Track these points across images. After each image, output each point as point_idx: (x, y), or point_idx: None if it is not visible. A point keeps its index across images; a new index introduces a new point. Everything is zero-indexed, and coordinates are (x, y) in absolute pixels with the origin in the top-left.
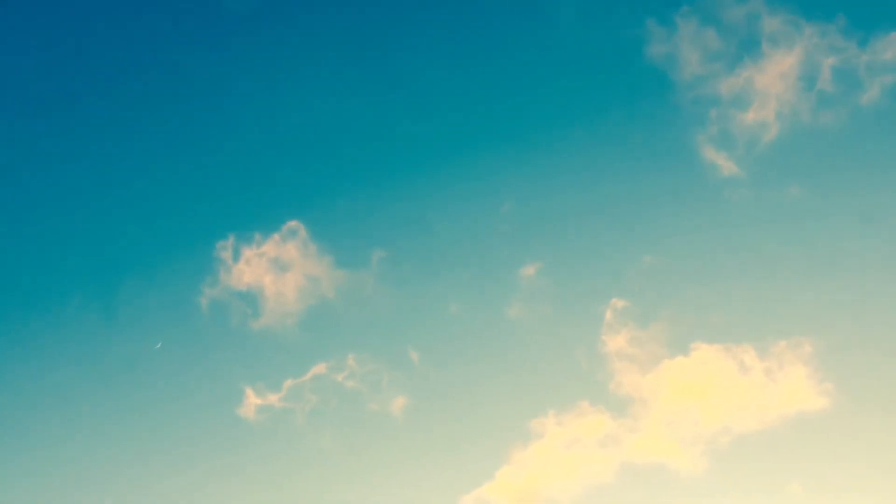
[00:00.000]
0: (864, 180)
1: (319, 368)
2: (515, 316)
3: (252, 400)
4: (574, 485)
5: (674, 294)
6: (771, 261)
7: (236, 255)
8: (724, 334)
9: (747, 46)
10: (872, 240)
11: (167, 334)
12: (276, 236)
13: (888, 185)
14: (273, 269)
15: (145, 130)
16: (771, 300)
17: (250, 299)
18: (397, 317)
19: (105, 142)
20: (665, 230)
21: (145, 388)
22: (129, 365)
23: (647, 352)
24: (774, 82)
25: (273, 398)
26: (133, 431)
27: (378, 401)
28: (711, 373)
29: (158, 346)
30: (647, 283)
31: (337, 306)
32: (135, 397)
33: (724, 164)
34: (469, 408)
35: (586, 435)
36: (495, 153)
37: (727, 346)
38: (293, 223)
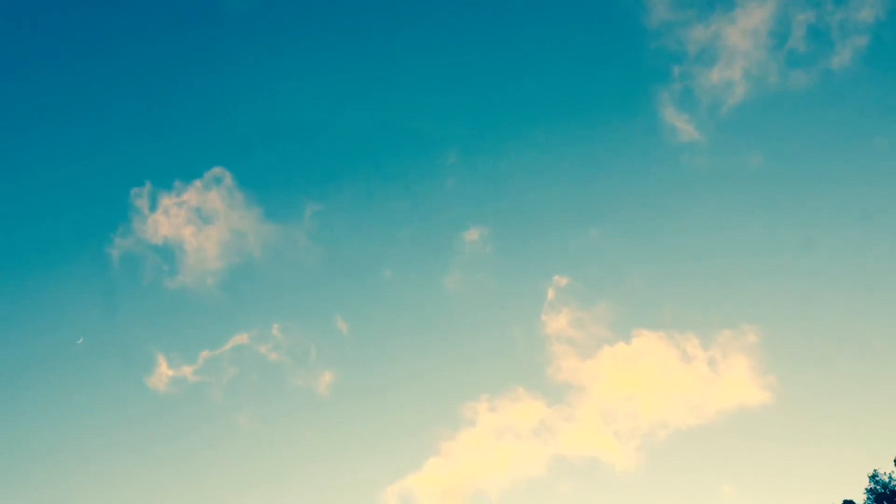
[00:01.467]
0: (831, 153)
1: (241, 338)
2: (453, 286)
3: (164, 371)
4: (504, 477)
5: (619, 273)
6: (724, 239)
7: (153, 204)
8: (668, 321)
9: None
10: (834, 219)
11: (71, 287)
12: (197, 183)
13: (856, 160)
14: (194, 221)
15: (49, 66)
16: (721, 283)
17: (167, 254)
18: (328, 280)
19: (6, 82)
20: (615, 199)
21: (44, 346)
22: (27, 319)
23: (589, 335)
24: (744, 38)
25: (187, 370)
26: (26, 394)
27: (303, 376)
28: (652, 362)
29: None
30: (593, 259)
31: (263, 266)
32: (31, 355)
33: (684, 127)
34: (400, 388)
35: (520, 423)
36: (441, 104)
37: (670, 334)
38: (217, 170)
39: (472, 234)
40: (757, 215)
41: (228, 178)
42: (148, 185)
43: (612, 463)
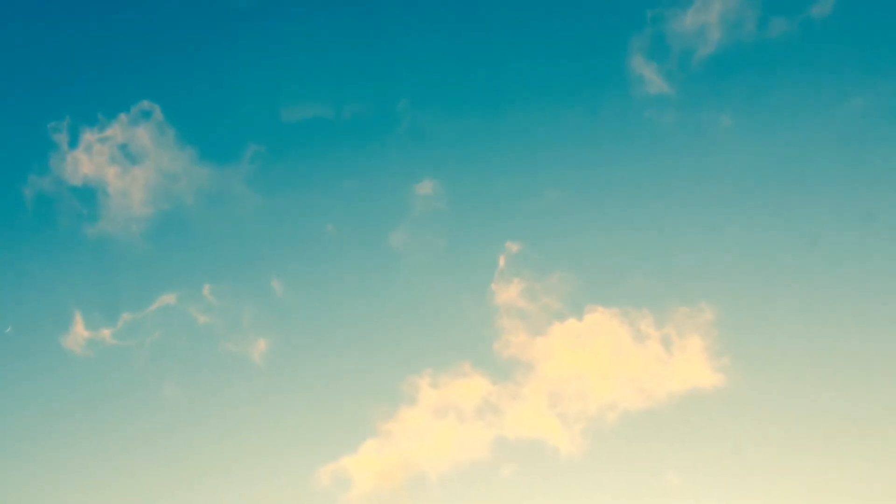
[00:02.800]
0: (805, 115)
1: (168, 298)
2: (400, 245)
3: (80, 331)
4: (445, 460)
5: (576, 241)
6: (690, 206)
7: (74, 140)
8: (623, 295)
9: None
10: (803, 186)
11: None
12: (123, 117)
13: (830, 124)
14: (119, 160)
15: None
16: (683, 256)
17: (87, 197)
18: (266, 234)
19: None
20: (574, 156)
21: None
22: None
23: (540, 307)
24: None
25: (106, 333)
26: None
27: (236, 342)
28: (604, 341)
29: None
30: (548, 224)
31: (196, 215)
32: None
33: (653, 78)
34: (338, 358)
35: (463, 401)
36: (393, 42)
37: (625, 310)
38: (146, 103)
39: (425, 187)
40: (726, 182)
41: (158, 113)
42: (68, 119)
43: (556, 446)
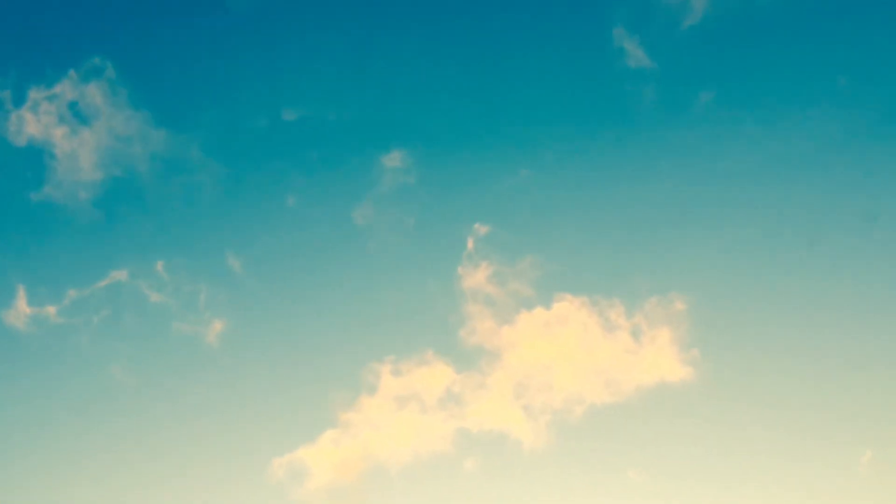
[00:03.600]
0: (794, 91)
1: (119, 274)
2: (365, 221)
3: (23, 308)
4: (405, 452)
5: (547, 224)
6: (667, 190)
7: (18, 97)
8: (593, 282)
9: None
10: (788, 171)
11: None
12: (72, 74)
13: (820, 101)
14: (67, 120)
15: None
16: (655, 243)
17: (33, 159)
18: (224, 206)
19: None
20: (550, 134)
21: None
22: None
23: (508, 293)
24: None
25: (51, 310)
26: None
27: (190, 322)
28: (573, 331)
29: None
30: (518, 207)
31: (150, 182)
32: None
33: (634, 51)
34: (297, 342)
35: (425, 390)
36: (365, 7)
37: (594, 299)
38: (97, 59)
39: (394, 159)
40: (706, 166)
41: (111, 70)
42: (12, 74)
43: (520, 439)
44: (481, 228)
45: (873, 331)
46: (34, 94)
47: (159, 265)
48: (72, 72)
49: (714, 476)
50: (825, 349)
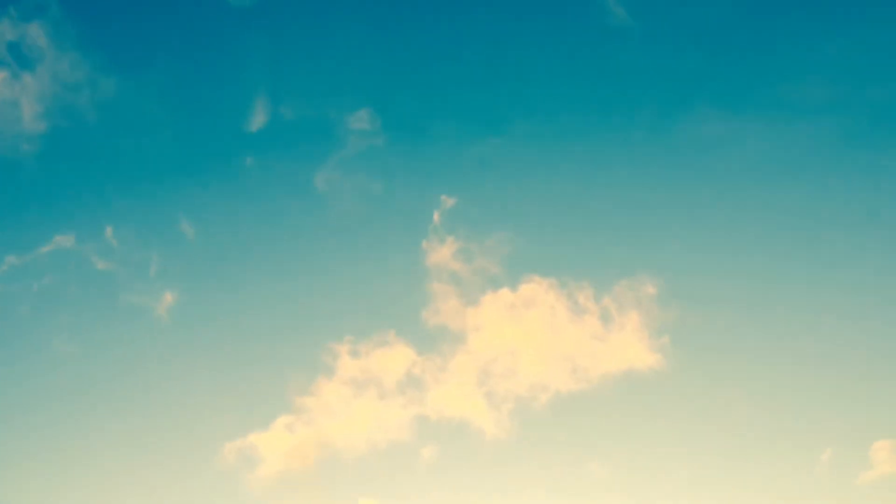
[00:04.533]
0: (779, 56)
1: (64, 240)
2: (327, 186)
3: None
4: (361, 440)
5: (516, 198)
6: (645, 162)
7: None
8: (563, 263)
9: None
10: (770, 145)
11: None
12: (12, 11)
13: (807, 66)
14: (7, 63)
15: None
16: (630, 222)
17: None
18: (177, 164)
19: None
20: (525, 99)
21: None
22: None
23: (474, 271)
24: None
25: None
26: None
27: (139, 291)
28: (539, 314)
29: None
30: (488, 178)
31: (98, 134)
32: None
33: (616, 10)
34: (252, 317)
35: (385, 374)
36: None
37: (563, 281)
38: None
39: (361, 119)
40: (682, 126)
41: (55, 8)
42: None
43: (482, 428)
44: (448, 200)
45: (849, 324)
46: None
47: (108, 230)
48: (11, 9)
49: (678, 469)
50: (800, 341)
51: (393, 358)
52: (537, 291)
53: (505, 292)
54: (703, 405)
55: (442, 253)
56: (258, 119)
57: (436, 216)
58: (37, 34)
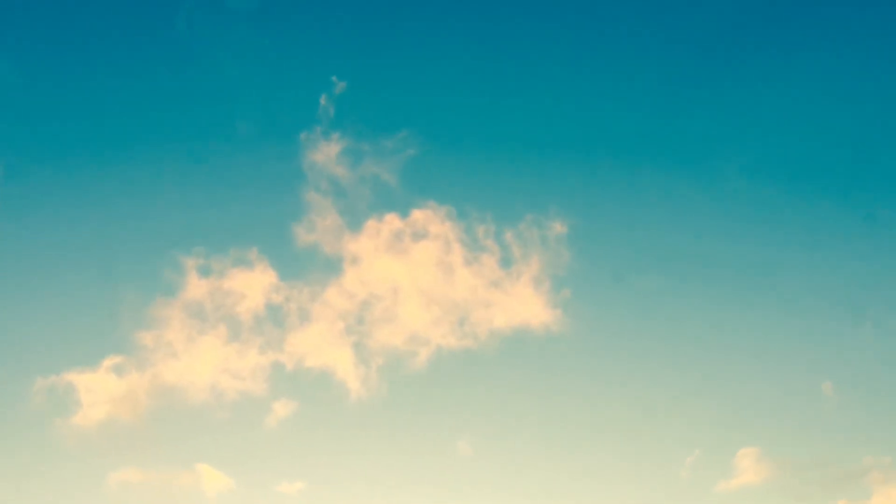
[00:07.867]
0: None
1: None
2: (193, 32)
3: None
4: (204, 389)
5: (420, 93)
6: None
7: None
8: (466, 186)
9: None
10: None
11: None
12: None
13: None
14: None
15: None
16: (545, 152)
17: None
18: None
19: None
20: None
21: None
22: None
23: (361, 180)
24: None
25: None
26: None
27: None
28: (429, 249)
29: None
30: (389, 63)
31: None
32: None
33: None
34: (76, 212)
35: (241, 302)
36: None
37: (464, 209)
38: None
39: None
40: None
41: None
42: None
43: (346, 385)
44: (340, 84)
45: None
46: None
47: None
48: None
49: (547, 459)
50: (711, 320)
51: (251, 282)
52: (432, 220)
53: (393, 217)
54: (590, 384)
55: (324, 151)
56: None
57: (323, 100)
58: None
